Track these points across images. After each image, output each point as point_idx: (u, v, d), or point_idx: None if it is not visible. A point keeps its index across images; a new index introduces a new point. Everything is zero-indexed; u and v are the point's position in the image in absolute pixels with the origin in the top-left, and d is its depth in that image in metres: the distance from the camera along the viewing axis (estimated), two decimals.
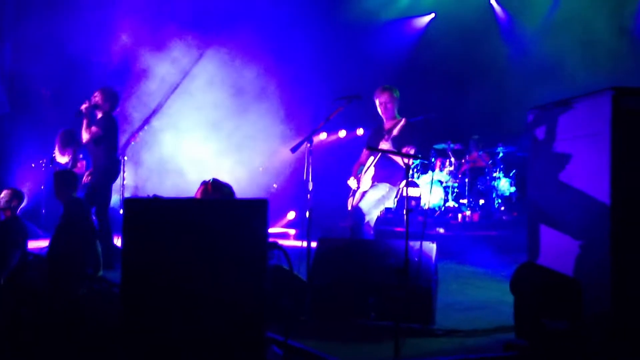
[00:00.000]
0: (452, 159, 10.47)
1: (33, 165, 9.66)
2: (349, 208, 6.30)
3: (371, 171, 6.16)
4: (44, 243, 7.47)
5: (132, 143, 9.35)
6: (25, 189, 7.97)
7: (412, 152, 6.03)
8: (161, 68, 9.63)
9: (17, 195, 6.50)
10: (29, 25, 9.74)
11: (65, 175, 6.34)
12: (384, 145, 6.03)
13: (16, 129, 9.98)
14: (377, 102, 6.30)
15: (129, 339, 3.35)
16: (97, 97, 7.36)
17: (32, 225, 8.12)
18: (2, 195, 6.45)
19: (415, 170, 10.44)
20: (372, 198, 6.07)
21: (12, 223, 6.36)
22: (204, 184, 4.98)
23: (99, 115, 7.40)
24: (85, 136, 7.27)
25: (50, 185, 6.47)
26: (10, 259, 6.07)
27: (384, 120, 6.35)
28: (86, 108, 7.28)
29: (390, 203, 6.21)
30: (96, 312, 4.40)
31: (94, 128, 7.23)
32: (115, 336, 3.60)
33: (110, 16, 9.82)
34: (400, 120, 6.15)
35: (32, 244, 7.36)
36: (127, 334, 3.37)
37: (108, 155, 7.30)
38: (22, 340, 4.18)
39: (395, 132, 6.07)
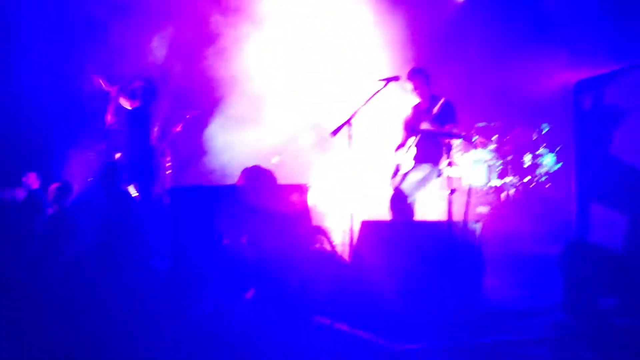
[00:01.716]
0: (495, 137, 10.29)
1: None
2: (391, 189, 6.26)
3: (412, 151, 6.11)
4: None
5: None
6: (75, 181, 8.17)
7: (454, 130, 5.96)
8: None
9: (65, 188, 6.67)
10: None
11: (112, 167, 6.43)
12: (425, 125, 5.97)
13: (66, 121, 10.13)
14: (410, 85, 6.24)
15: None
16: (134, 86, 7.33)
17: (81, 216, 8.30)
18: (51, 188, 6.62)
19: (457, 149, 10.29)
20: (414, 179, 6.03)
21: (62, 215, 6.54)
22: (246, 170, 5.02)
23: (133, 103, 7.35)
24: (109, 118, 7.30)
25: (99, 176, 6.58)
26: (63, 251, 6.25)
27: (421, 101, 6.28)
28: (117, 92, 7.28)
29: (430, 184, 6.17)
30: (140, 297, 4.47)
31: (110, 117, 7.25)
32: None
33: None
34: (438, 98, 6.08)
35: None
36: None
37: (142, 145, 7.30)
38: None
39: (435, 110, 6.00)
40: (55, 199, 6.55)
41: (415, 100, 6.41)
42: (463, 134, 6.08)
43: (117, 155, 7.86)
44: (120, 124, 7.31)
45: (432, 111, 6.03)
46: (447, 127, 5.95)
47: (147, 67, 8.58)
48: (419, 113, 6.27)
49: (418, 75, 6.20)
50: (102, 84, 7.33)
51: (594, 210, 4.90)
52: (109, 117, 7.30)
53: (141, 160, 7.28)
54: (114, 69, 8.25)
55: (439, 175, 6.09)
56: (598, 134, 4.82)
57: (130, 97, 7.34)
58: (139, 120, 7.31)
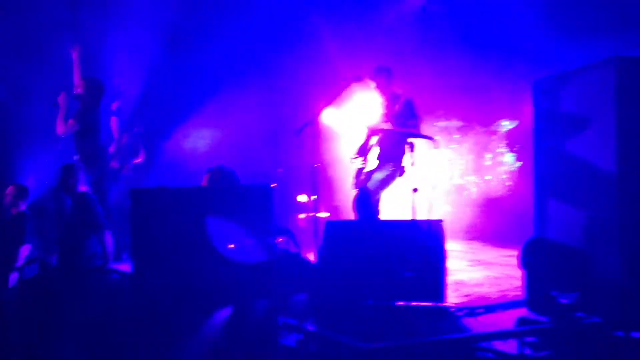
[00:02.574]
0: (456, 136, 10.42)
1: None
2: (354, 188, 6.28)
3: (376, 150, 6.14)
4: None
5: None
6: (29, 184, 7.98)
7: (415, 129, 6.01)
8: None
9: (21, 191, 6.51)
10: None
11: (71, 169, 6.29)
12: (386, 125, 6.01)
13: (19, 122, 9.92)
14: (372, 83, 6.26)
15: (138, 325, 3.37)
16: (78, 88, 6.98)
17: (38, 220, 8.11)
18: (7, 191, 6.45)
19: (419, 148, 10.38)
20: (378, 178, 6.06)
21: (19, 219, 6.38)
22: (209, 171, 4.97)
23: (81, 106, 6.99)
24: (59, 128, 6.85)
25: (57, 179, 6.41)
26: (19, 254, 6.10)
27: (383, 99, 6.31)
28: (63, 99, 6.85)
29: (394, 182, 6.20)
30: (105, 302, 4.41)
31: (70, 120, 6.83)
32: (124, 326, 3.62)
33: None
34: (399, 97, 6.11)
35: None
36: (137, 319, 3.39)
37: (95, 147, 6.98)
38: (33, 332, 4.20)
39: (396, 108, 6.04)
40: (11, 202, 6.39)
41: (378, 98, 6.43)
42: (424, 133, 6.13)
43: (75, 157, 7.67)
44: (73, 126, 6.98)
45: (393, 110, 6.06)
46: (408, 125, 6.00)
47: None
48: (381, 113, 6.30)
49: (381, 73, 6.23)
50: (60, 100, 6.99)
51: (552, 208, 4.99)
52: (59, 127, 6.86)
53: (94, 160, 6.97)
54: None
55: (402, 173, 6.13)
56: (555, 131, 4.90)
57: (76, 100, 7.00)
58: (88, 120, 6.97)
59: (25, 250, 6.16)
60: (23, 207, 6.49)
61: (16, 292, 5.44)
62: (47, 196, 7.42)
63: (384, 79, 6.21)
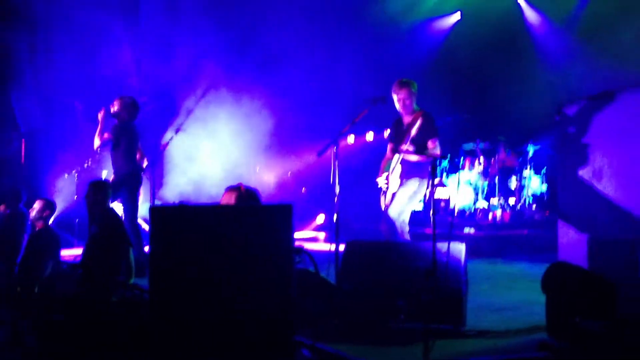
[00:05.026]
0: (481, 159, 10.35)
1: (66, 175, 9.84)
2: (382, 208, 6.24)
3: (398, 169, 6.12)
4: (77, 251, 7.59)
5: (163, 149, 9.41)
6: (57, 199, 8.13)
7: (435, 144, 6.00)
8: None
9: (49, 206, 6.62)
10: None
11: (99, 185, 6.38)
12: (406, 147, 6.01)
13: (49, 140, 10.18)
14: (395, 97, 6.25)
15: (157, 344, 3.38)
16: (115, 106, 7.38)
17: (65, 234, 8.25)
18: (35, 206, 6.57)
19: (443, 171, 10.35)
20: (404, 197, 6.03)
21: (45, 233, 6.48)
22: (230, 189, 5.00)
23: (117, 124, 7.41)
24: (96, 142, 7.34)
25: (83, 195, 6.54)
26: (44, 268, 6.19)
27: (403, 115, 6.30)
28: (102, 115, 7.36)
29: (422, 197, 6.16)
30: (128, 318, 4.45)
31: (106, 135, 7.28)
32: (144, 342, 3.64)
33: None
34: (418, 114, 6.10)
35: (66, 253, 7.49)
36: (156, 338, 3.40)
37: (127, 163, 7.31)
38: (55, 347, 4.25)
39: (413, 132, 6.02)
40: (38, 216, 6.50)
41: (399, 112, 6.38)
42: (445, 155, 6.10)
43: (104, 173, 7.84)
44: (106, 143, 7.31)
45: (411, 132, 6.05)
46: (429, 142, 5.99)
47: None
48: (399, 129, 6.29)
49: (403, 87, 6.21)
50: (101, 114, 7.37)
51: (576, 232, 4.92)
52: (96, 141, 7.30)
53: (126, 178, 7.26)
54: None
55: (428, 185, 6.06)
56: (580, 156, 4.86)
57: (112, 117, 7.39)
58: (122, 137, 7.31)
59: (49, 264, 6.26)
60: (49, 222, 6.60)
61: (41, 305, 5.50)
62: (75, 212, 7.57)
63: (406, 95, 6.19)
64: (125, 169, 7.31)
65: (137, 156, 7.49)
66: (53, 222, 6.67)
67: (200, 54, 10.11)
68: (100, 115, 7.35)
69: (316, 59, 10.51)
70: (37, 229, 6.54)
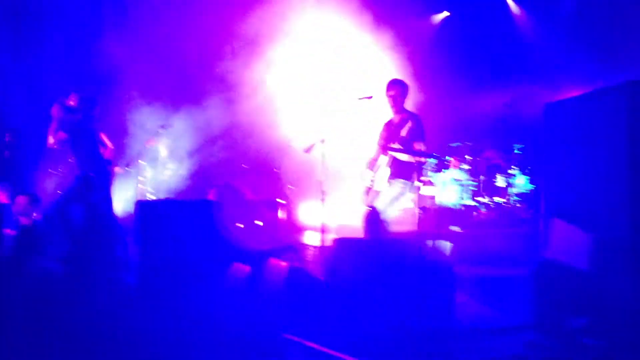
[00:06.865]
0: (468, 157, 10.39)
1: (50, 170, 9.73)
2: (365, 206, 6.27)
3: (385, 170, 6.14)
4: None
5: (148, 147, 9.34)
6: (42, 195, 8.04)
7: (422, 147, 6.02)
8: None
9: (33, 201, 6.56)
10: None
11: (87, 179, 6.29)
12: (395, 145, 6.02)
13: (35, 135, 10.05)
14: (386, 95, 6.29)
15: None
16: (71, 101, 6.99)
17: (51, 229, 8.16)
18: (19, 202, 6.51)
19: (429, 168, 10.38)
20: (388, 196, 6.05)
21: (31, 228, 6.43)
22: (216, 186, 4.99)
23: (73, 119, 6.97)
24: (50, 140, 6.88)
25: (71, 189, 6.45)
26: (30, 263, 6.13)
27: (393, 113, 6.33)
28: (57, 111, 6.87)
29: (407, 199, 6.18)
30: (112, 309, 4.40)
31: (60, 133, 6.85)
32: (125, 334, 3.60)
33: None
34: (407, 115, 6.13)
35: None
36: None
37: (89, 162, 6.97)
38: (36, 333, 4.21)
39: (403, 133, 6.04)
40: (23, 211, 6.44)
41: (388, 114, 6.43)
42: (434, 154, 6.12)
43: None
44: (66, 140, 6.92)
45: (402, 127, 6.07)
46: (416, 145, 6.01)
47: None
48: (390, 130, 6.31)
49: (394, 87, 6.25)
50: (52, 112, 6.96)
51: (561, 230, 4.95)
52: (50, 139, 6.89)
53: (92, 172, 6.94)
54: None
55: (412, 190, 6.10)
56: (566, 154, 4.88)
57: (69, 112, 6.98)
58: (82, 132, 7.00)
59: (36, 259, 6.20)
60: (35, 216, 6.53)
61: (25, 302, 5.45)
62: (59, 206, 7.48)
63: (397, 92, 6.22)
64: (88, 168, 6.94)
65: (102, 150, 7.16)
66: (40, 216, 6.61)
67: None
68: (54, 111, 6.86)
69: None
70: (21, 224, 6.48)
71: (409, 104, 6.49)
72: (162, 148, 9.58)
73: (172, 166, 9.68)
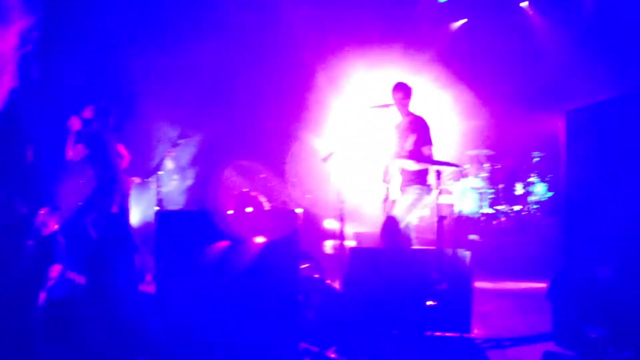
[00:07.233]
0: (486, 165, 10.32)
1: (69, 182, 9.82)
2: (383, 215, 6.24)
3: (397, 177, 6.12)
4: None
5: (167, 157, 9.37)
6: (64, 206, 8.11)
7: (430, 150, 6.00)
8: None
9: (53, 212, 6.61)
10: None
11: (107, 190, 6.33)
12: (404, 158, 6.03)
13: (57, 146, 10.12)
14: (393, 98, 6.29)
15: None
16: (87, 113, 6.99)
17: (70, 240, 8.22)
18: (41, 211, 6.57)
19: (448, 177, 10.33)
20: (404, 204, 6.02)
21: (51, 239, 6.48)
22: (237, 196, 5.01)
23: (89, 131, 6.99)
24: (69, 153, 6.88)
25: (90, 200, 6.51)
26: (50, 274, 6.19)
27: (401, 116, 6.33)
28: (73, 124, 6.86)
29: (424, 205, 6.16)
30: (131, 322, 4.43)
31: (79, 145, 6.86)
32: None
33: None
34: (413, 118, 6.14)
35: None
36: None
37: (102, 173, 6.99)
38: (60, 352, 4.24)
39: (408, 146, 6.04)
40: (42, 222, 6.50)
41: (397, 118, 6.40)
42: (455, 164, 6.09)
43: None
44: (84, 152, 6.92)
45: (409, 130, 6.07)
46: (425, 149, 6.00)
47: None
48: (398, 133, 6.30)
49: (399, 90, 6.25)
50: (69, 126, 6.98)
51: (582, 239, 4.90)
52: (69, 152, 6.90)
53: (105, 184, 6.98)
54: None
55: (429, 193, 6.05)
56: (587, 162, 4.83)
57: (86, 124, 6.97)
58: (99, 143, 7.03)
59: (55, 270, 6.24)
60: (55, 227, 6.59)
61: (45, 312, 5.50)
62: (79, 217, 7.54)
63: (401, 96, 6.23)
64: (98, 179, 6.96)
65: (118, 161, 7.15)
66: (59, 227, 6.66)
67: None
68: (72, 124, 6.84)
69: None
70: (41, 235, 6.54)
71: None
72: (168, 160, 9.55)
73: (177, 177, 9.72)
